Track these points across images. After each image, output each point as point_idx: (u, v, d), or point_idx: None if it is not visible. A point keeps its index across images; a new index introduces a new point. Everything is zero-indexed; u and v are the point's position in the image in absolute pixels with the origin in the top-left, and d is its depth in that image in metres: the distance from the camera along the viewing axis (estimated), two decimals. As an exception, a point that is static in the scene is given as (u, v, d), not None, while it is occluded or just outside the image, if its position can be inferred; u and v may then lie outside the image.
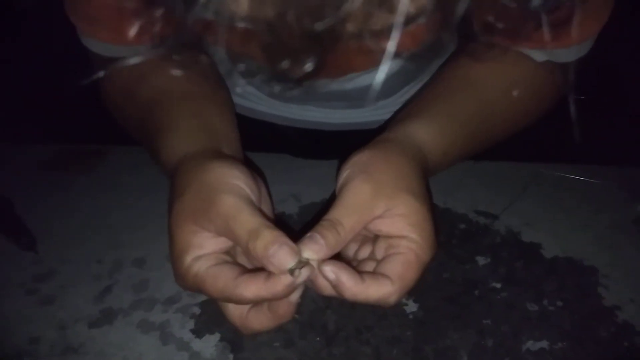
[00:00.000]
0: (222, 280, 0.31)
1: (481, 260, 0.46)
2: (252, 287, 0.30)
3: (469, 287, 0.43)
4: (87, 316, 0.41)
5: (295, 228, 0.51)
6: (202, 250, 0.32)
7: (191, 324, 0.41)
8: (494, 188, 0.58)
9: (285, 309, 0.32)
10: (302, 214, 0.52)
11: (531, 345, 0.39)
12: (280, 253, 0.29)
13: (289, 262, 0.29)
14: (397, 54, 0.22)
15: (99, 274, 0.45)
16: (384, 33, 0.20)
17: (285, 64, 0.22)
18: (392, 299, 0.32)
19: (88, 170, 0.61)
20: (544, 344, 0.39)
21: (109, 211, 0.53)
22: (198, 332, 0.40)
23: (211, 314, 0.41)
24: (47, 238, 0.49)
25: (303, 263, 0.30)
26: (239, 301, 0.31)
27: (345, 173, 0.35)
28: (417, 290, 0.42)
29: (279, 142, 0.63)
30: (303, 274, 0.30)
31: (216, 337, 0.40)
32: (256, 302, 0.32)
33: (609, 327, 0.40)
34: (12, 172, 0.59)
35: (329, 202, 0.34)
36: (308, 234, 0.31)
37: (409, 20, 0.20)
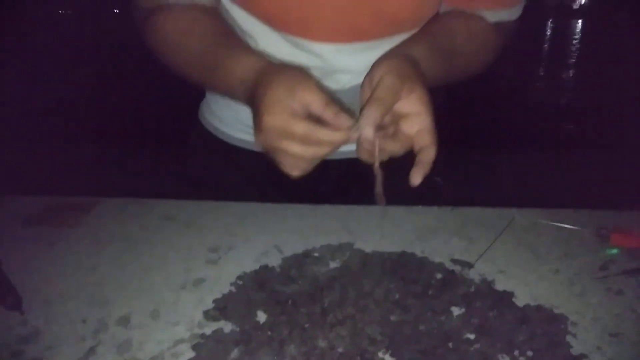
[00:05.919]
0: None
1: (456, 311, 0.48)
2: (328, 112, 0.46)
3: (444, 340, 0.45)
4: (72, 379, 0.42)
5: (278, 281, 0.52)
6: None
7: (174, 385, 0.42)
8: (470, 234, 0.60)
9: (326, 136, 0.46)
10: (285, 266, 0.54)
11: (503, 397, 0.40)
12: (343, 116, 0.46)
13: (350, 122, 0.46)
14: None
15: (84, 335, 0.46)
16: None
17: None
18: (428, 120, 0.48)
19: (74, 224, 0.62)
20: (515, 395, 0.41)
21: (94, 267, 0.54)
22: (181, 393, 0.41)
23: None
24: (32, 296, 0.50)
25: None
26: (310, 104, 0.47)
27: (379, 71, 0.49)
28: (393, 343, 0.44)
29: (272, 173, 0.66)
30: (360, 127, 0.46)
31: (199, 397, 0.41)
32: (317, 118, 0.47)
33: (577, 377, 0.42)
34: (-2, 227, 0.60)
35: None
36: (365, 108, 0.46)
37: None
